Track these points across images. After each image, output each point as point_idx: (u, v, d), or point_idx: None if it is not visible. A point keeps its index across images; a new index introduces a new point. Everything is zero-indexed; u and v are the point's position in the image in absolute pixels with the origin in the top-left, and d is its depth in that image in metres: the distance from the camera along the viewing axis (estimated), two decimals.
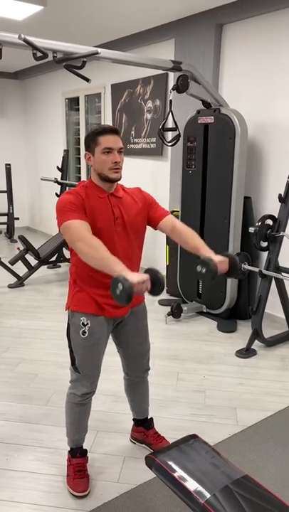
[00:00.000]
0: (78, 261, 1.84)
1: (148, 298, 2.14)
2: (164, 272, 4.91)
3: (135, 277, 1.57)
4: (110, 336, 2.08)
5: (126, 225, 1.90)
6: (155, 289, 1.65)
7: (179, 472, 1.51)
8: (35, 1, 3.79)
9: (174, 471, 1.52)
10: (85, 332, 1.92)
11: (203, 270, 1.77)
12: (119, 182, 1.94)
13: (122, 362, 2.22)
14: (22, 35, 2.50)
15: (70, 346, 2.00)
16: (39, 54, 2.64)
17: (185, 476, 1.50)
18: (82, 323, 1.92)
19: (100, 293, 1.90)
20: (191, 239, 1.96)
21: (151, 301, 2.15)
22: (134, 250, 1.98)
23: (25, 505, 1.97)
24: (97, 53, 2.87)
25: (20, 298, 4.69)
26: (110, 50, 3.11)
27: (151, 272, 1.65)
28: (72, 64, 2.83)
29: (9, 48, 2.63)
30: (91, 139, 1.85)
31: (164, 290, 4.78)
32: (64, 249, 5.66)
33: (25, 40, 2.53)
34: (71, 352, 1.99)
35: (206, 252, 1.88)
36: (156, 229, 2.04)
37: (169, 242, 4.66)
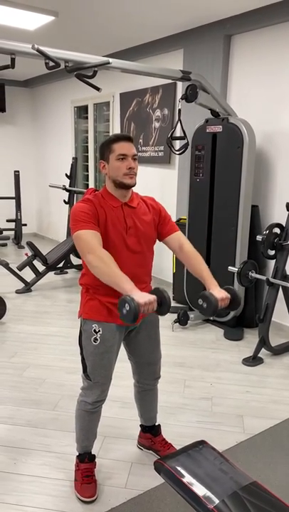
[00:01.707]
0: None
1: None
2: (170, 280, 4.93)
3: (142, 298, 1.61)
4: (122, 344, 2.09)
5: (138, 234, 1.91)
6: (162, 309, 1.69)
7: (187, 477, 1.52)
8: (47, 12, 3.88)
9: (183, 476, 1.53)
10: (97, 339, 1.93)
11: (204, 305, 1.80)
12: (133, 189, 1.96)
13: (133, 369, 2.22)
14: (35, 45, 2.55)
15: (81, 353, 2.00)
16: (51, 63, 2.69)
17: (194, 481, 1.50)
18: (94, 331, 1.93)
19: (113, 301, 1.90)
20: (199, 266, 1.99)
21: None
22: (146, 260, 1.99)
23: (32, 509, 1.98)
24: (109, 63, 2.92)
25: (28, 303, 4.72)
26: (121, 60, 3.15)
27: (159, 293, 1.69)
28: (84, 73, 2.88)
29: (20, 57, 2.68)
30: (105, 148, 1.88)
31: (171, 297, 4.82)
32: (72, 255, 5.70)
33: (38, 50, 2.58)
34: (83, 359, 2.00)
35: (211, 284, 1.90)
36: (161, 241, 2.06)
37: None
